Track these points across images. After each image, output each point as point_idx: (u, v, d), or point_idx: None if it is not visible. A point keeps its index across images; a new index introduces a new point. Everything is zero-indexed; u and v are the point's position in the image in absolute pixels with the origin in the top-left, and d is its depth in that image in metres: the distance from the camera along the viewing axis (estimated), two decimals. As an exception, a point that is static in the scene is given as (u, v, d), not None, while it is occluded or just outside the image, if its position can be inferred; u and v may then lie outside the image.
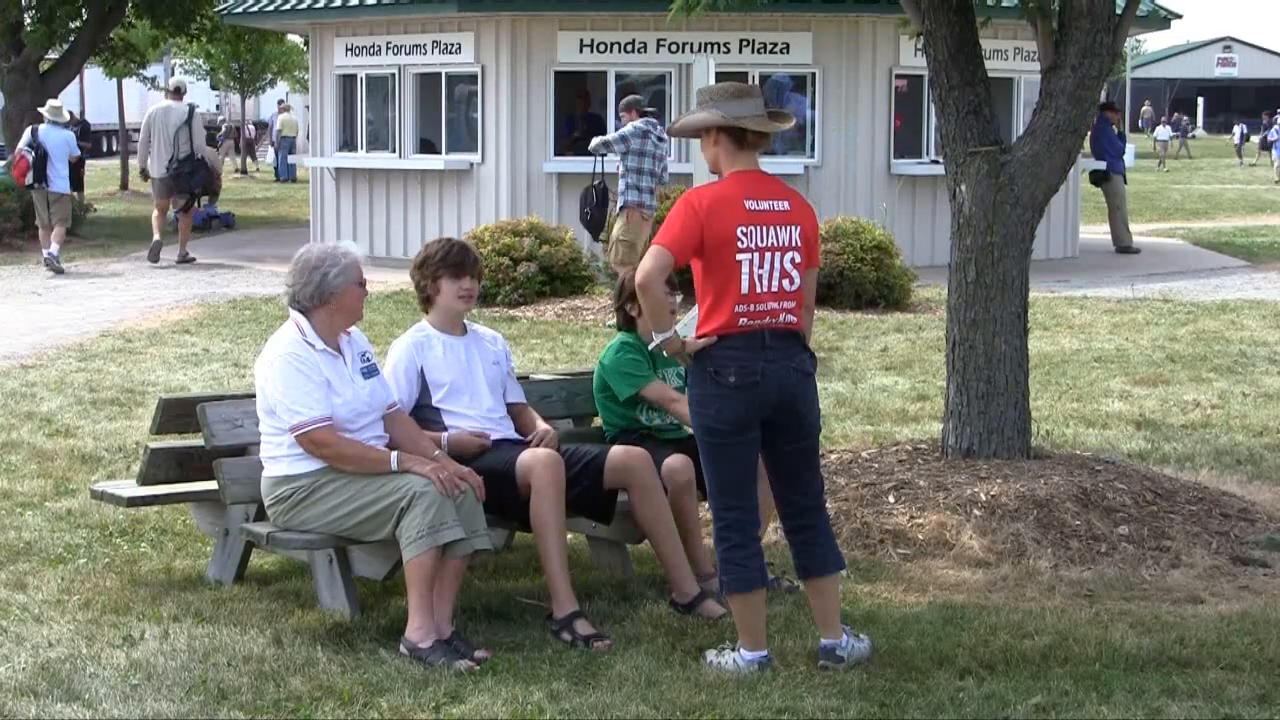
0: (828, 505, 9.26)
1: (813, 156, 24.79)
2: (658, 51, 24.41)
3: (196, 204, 27.94)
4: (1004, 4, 10.56)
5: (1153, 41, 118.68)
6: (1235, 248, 28.34)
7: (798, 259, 7.03)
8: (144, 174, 26.50)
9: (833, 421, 12.51)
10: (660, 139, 18.70)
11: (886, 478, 9.63)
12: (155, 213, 26.02)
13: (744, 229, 6.95)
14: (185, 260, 25.45)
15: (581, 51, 24.55)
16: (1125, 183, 28.87)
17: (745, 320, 6.97)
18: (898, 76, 24.83)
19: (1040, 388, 13.14)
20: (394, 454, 7.39)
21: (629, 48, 24.45)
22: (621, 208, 18.77)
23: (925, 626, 7.60)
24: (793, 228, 7.03)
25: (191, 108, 26.02)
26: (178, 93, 26.54)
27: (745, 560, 7.09)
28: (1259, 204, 40.53)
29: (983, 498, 9.15)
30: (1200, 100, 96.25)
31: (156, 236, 25.47)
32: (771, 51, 24.60)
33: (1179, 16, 27.16)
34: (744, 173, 7.10)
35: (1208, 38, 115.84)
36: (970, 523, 8.97)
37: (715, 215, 6.94)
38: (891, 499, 9.36)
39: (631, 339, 8.68)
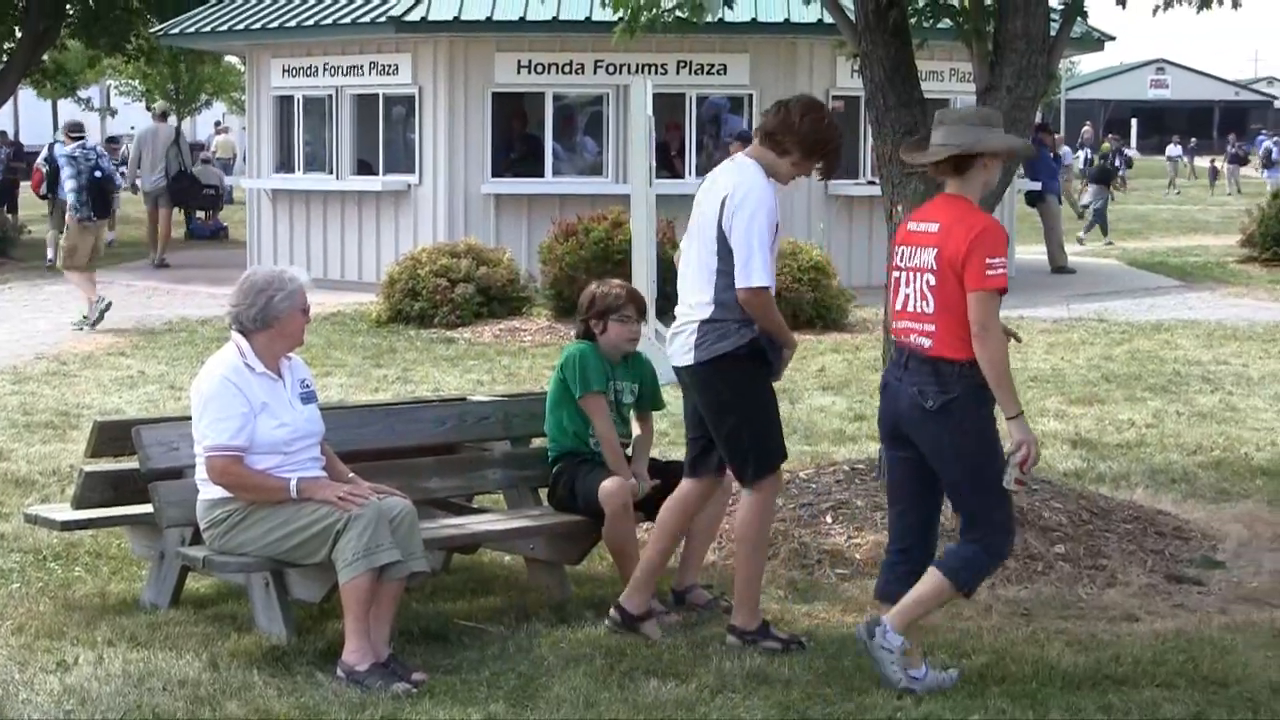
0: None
1: (750, 177, 24.77)
2: (595, 73, 24.41)
3: (205, 217, 33.45)
4: (940, 26, 10.57)
5: (1087, 63, 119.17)
6: (1169, 268, 28.54)
7: (932, 282, 6.96)
8: (134, 188, 30.31)
9: (770, 442, 12.51)
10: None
11: (824, 498, 9.65)
12: (149, 226, 29.41)
13: (900, 248, 7.17)
14: (161, 265, 28.25)
15: (519, 73, 24.53)
16: (1060, 204, 29.06)
17: (899, 337, 7.14)
18: (835, 98, 24.87)
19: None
20: (292, 481, 7.36)
21: (567, 69, 24.44)
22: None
23: (861, 646, 7.59)
24: (930, 250, 6.99)
25: (177, 129, 30.10)
26: (164, 116, 29.22)
27: (883, 569, 7.38)
28: (1192, 224, 40.83)
29: (920, 517, 9.15)
30: (1134, 121, 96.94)
31: (155, 249, 28.82)
32: (709, 73, 24.64)
33: (1113, 39, 27.34)
34: (939, 196, 7.27)
35: (1141, 60, 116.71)
36: (907, 542, 8.97)
37: (894, 235, 7.29)
38: (829, 519, 9.38)
39: (591, 349, 8.62)
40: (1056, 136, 32.81)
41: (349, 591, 7.12)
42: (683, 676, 7.18)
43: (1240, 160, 61.35)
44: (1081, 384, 15.64)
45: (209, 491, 7.45)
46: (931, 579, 7.08)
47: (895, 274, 7.17)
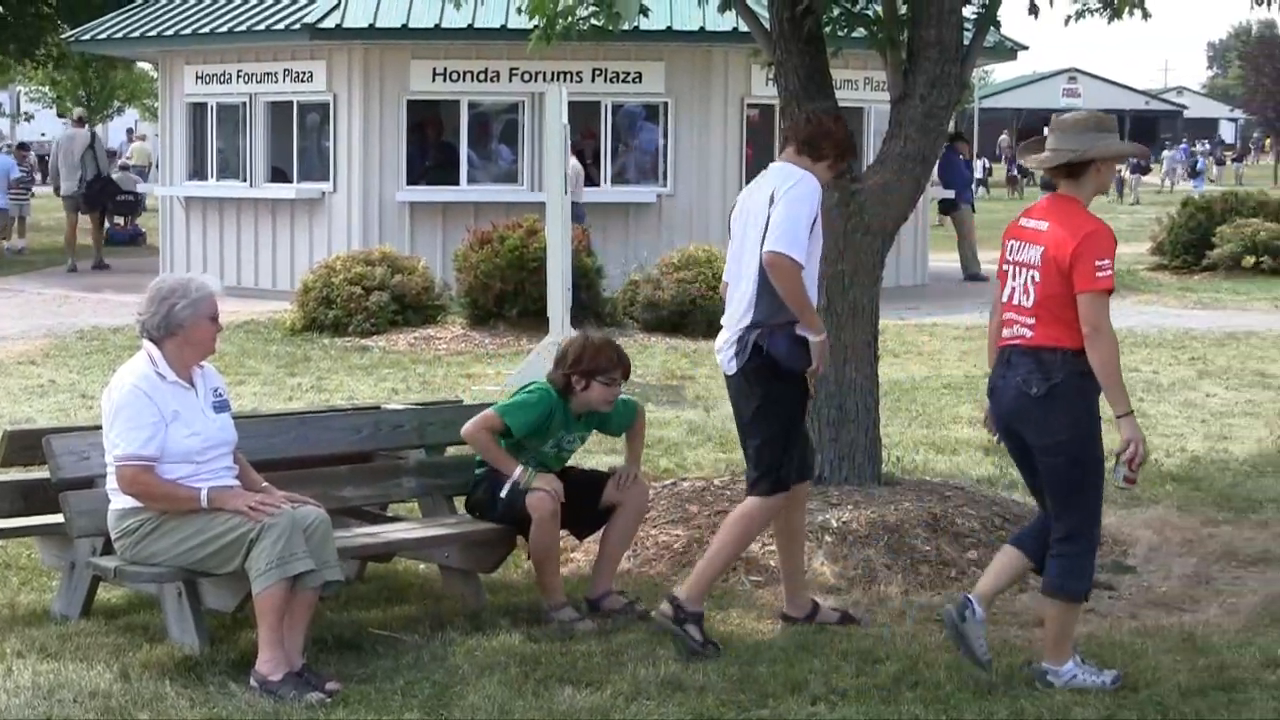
0: (683, 532, 9.33)
1: (665, 185, 24.87)
2: (510, 80, 24.40)
3: (124, 223, 33.82)
4: (854, 35, 10.62)
5: (1000, 72, 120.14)
6: (1081, 275, 28.73)
7: (1036, 278, 7.14)
8: (57, 191, 30.67)
9: (685, 450, 12.55)
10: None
11: (738, 505, 9.64)
12: (68, 231, 29.61)
13: (1009, 243, 7.38)
14: (100, 267, 28.87)
15: (434, 80, 24.49)
16: (974, 212, 29.25)
17: (1004, 331, 7.32)
18: (750, 106, 24.97)
19: (890, 414, 13.25)
20: (203, 491, 7.31)
21: (481, 76, 24.42)
22: None
23: (778, 653, 7.63)
24: (1037, 248, 7.18)
25: (93, 134, 30.37)
26: (81, 121, 29.49)
27: (1027, 526, 7.63)
28: (1116, 233, 41.08)
29: (834, 524, 9.20)
30: (1045, 130, 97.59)
31: (73, 254, 29.10)
32: (624, 81, 24.67)
33: (1025, 48, 27.54)
34: (1051, 196, 7.46)
35: (1053, 69, 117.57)
36: (822, 549, 9.02)
37: (1006, 231, 7.49)
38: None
39: (559, 404, 8.42)
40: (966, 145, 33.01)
41: (262, 601, 7.09)
42: (597, 684, 7.18)
43: (1142, 170, 61.72)
44: (994, 391, 15.71)
45: (120, 501, 7.39)
46: (1051, 610, 7.33)
47: (1004, 267, 7.37)
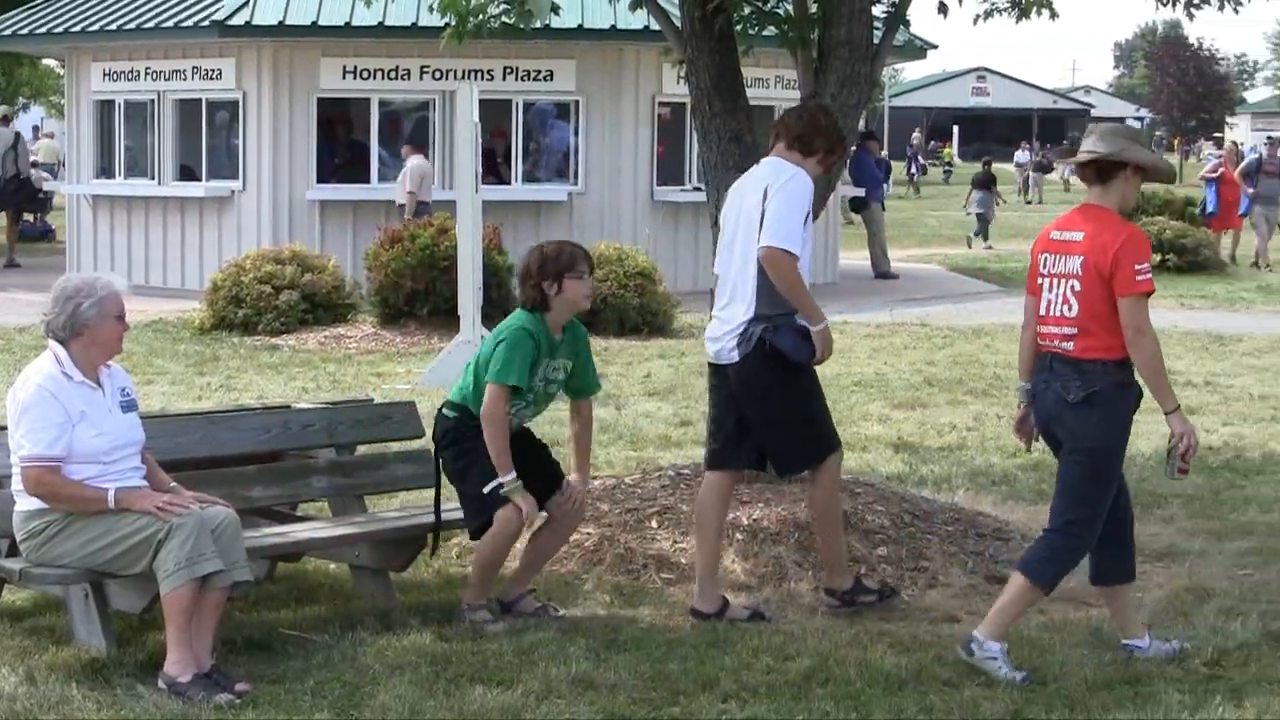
0: (594, 531, 9.33)
1: (576, 184, 24.87)
2: (421, 78, 24.34)
3: (34, 219, 33.96)
4: (765, 33, 10.64)
5: (910, 71, 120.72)
6: (990, 273, 28.96)
7: (1077, 287, 7.29)
8: None
9: (596, 448, 12.51)
10: None
11: (650, 503, 9.67)
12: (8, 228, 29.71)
13: (1043, 256, 7.52)
14: (11, 265, 28.55)
15: (344, 78, 24.41)
16: (884, 209, 29.40)
17: (1042, 341, 7.48)
18: (661, 104, 25.01)
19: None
20: (110, 491, 7.25)
21: (392, 74, 24.36)
22: None
23: (689, 650, 7.64)
24: (1075, 258, 7.32)
25: (17, 134, 30.17)
26: (5, 120, 29.26)
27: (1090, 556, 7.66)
28: (1013, 230, 41.41)
29: (745, 522, 9.22)
30: (956, 129, 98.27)
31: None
32: (535, 79, 24.66)
33: (935, 47, 27.71)
34: (1080, 206, 7.61)
35: (963, 68, 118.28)
36: (733, 547, 9.04)
37: (1036, 244, 7.65)
38: (655, 524, 9.40)
39: (539, 327, 8.18)
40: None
41: (171, 602, 7.03)
42: (508, 683, 7.17)
43: (1044, 169, 62.10)
44: (904, 388, 15.83)
45: (26, 502, 7.32)
46: (1013, 585, 7.51)
47: (1038, 280, 7.51)
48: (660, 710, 6.91)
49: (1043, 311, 7.46)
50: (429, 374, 16.02)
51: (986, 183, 37.51)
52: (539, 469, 8.35)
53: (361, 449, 9.29)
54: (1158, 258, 27.50)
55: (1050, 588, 7.52)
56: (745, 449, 8.36)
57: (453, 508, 8.37)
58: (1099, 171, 7.46)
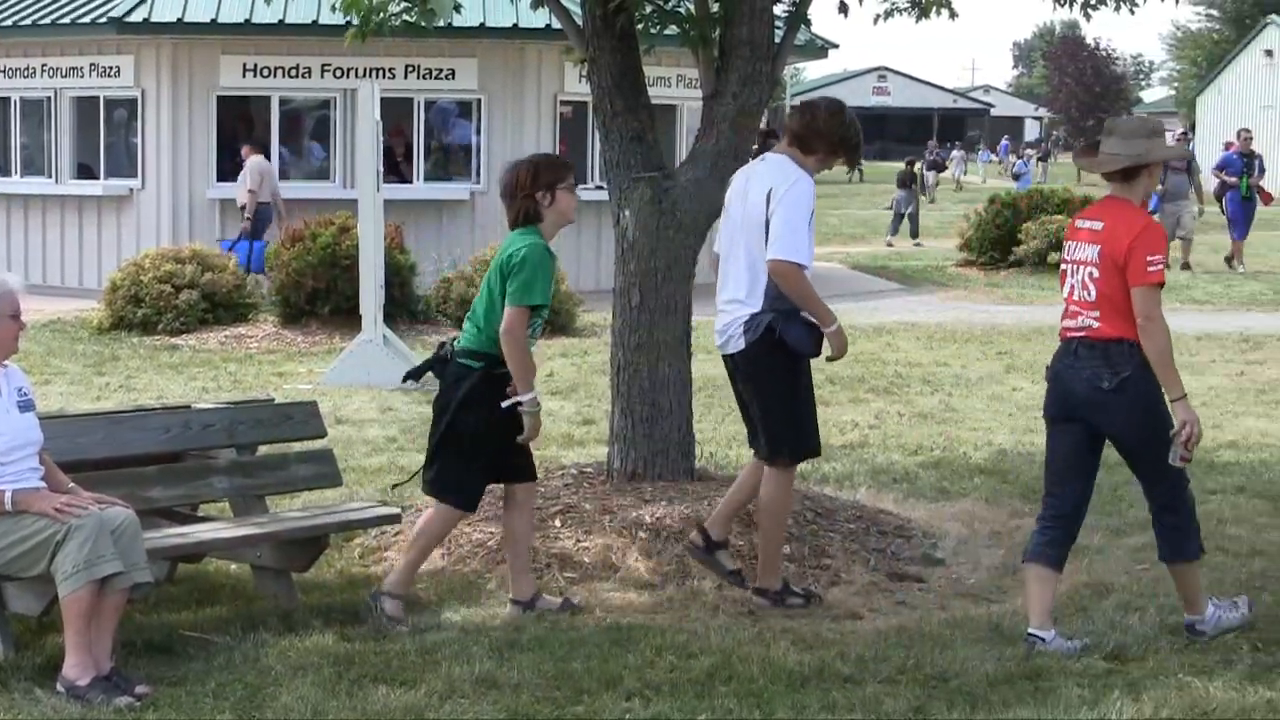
0: (497, 530, 9.31)
1: (478, 182, 24.83)
2: (322, 76, 24.24)
3: None
4: (666, 32, 10.66)
5: (811, 70, 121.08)
6: (891, 271, 29.11)
7: (1095, 274, 7.65)
8: None
9: (500, 447, 12.51)
10: None
11: (553, 502, 9.66)
12: None
13: (1068, 243, 7.90)
14: None
15: (245, 76, 24.26)
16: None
17: (1065, 322, 7.83)
18: (563, 103, 25.01)
19: (704, 410, 13.31)
20: (7, 493, 7.17)
21: (293, 72, 24.23)
22: None
23: (592, 649, 7.64)
24: (1094, 246, 7.68)
25: None
26: None
27: (1034, 536, 8.00)
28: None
29: (648, 520, 9.23)
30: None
31: None
32: (437, 77, 24.60)
33: (836, 46, 27.82)
34: (1104, 198, 7.99)
35: (864, 67, 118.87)
36: (636, 545, 9.05)
37: (1067, 231, 8.05)
38: (558, 523, 9.39)
39: (544, 240, 8.15)
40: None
41: (70, 604, 6.97)
42: (411, 683, 7.14)
43: (939, 167, 62.43)
44: (806, 386, 15.85)
45: (-78, 504, 7.23)
46: (1178, 575, 7.94)
47: (1063, 266, 7.90)
48: (564, 709, 6.90)
49: (1066, 294, 7.84)
50: (331, 373, 15.96)
51: (908, 181, 37.83)
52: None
53: (263, 449, 9.23)
54: (1055, 256, 27.75)
55: (1203, 549, 8.01)
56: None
57: (356, 507, 8.33)
58: (1124, 171, 7.81)
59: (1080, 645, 7.73)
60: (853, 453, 12.53)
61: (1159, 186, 28.64)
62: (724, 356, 8.56)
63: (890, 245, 36.40)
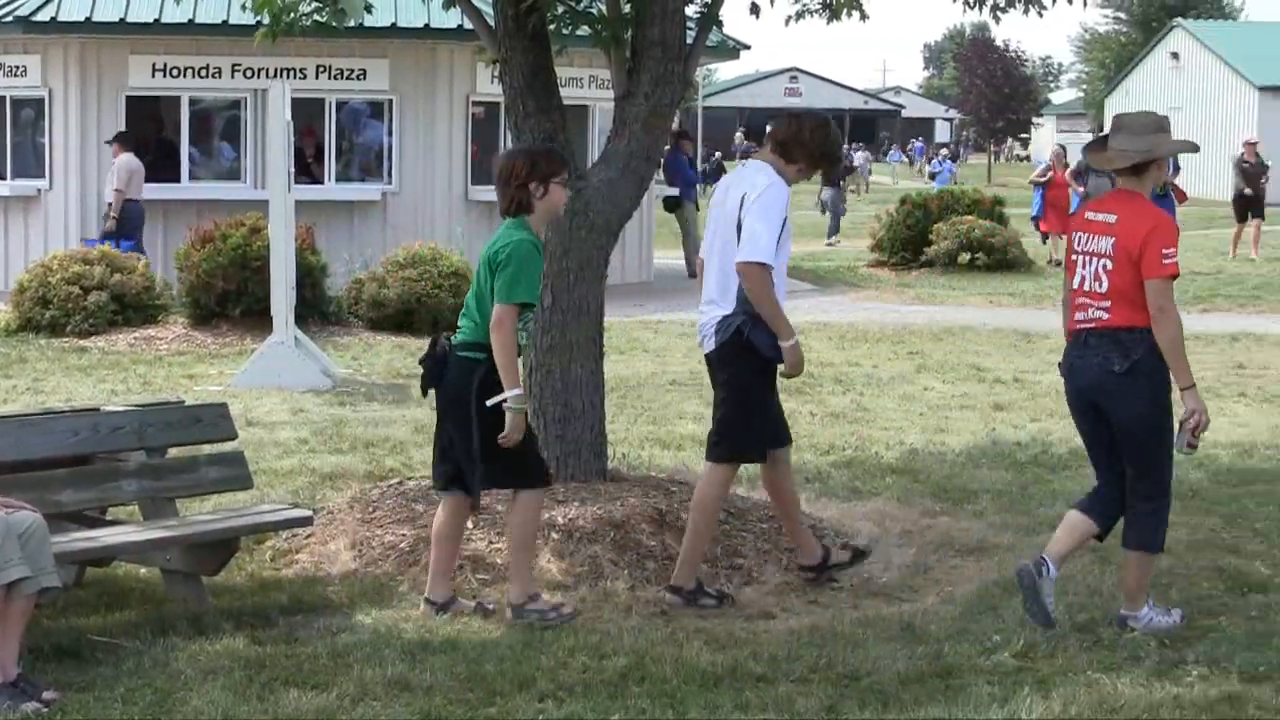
0: (409, 532, 9.29)
1: (391, 183, 24.75)
2: (232, 77, 24.09)
3: None
4: (578, 33, 10.67)
5: (724, 71, 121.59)
6: (804, 272, 29.18)
7: (1109, 266, 7.89)
8: None
9: (411, 449, 12.49)
10: None
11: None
12: None
13: (1077, 234, 8.14)
14: None
15: (154, 76, 24.09)
16: (698, 209, 29.53)
17: (1076, 315, 8.07)
18: (475, 103, 24.95)
19: (616, 410, 13.33)
20: None
21: (203, 73, 24.07)
22: None
23: (505, 650, 7.64)
24: (1108, 238, 7.93)
25: None
26: None
27: (1090, 494, 8.32)
28: (825, 228, 41.79)
29: (560, 521, 9.22)
30: (768, 128, 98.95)
31: None
32: (348, 78, 24.50)
33: (748, 47, 27.87)
34: (1116, 189, 8.25)
35: (776, 68, 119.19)
36: (548, 546, 9.04)
37: (1072, 223, 8.37)
38: (470, 524, 9.36)
39: (531, 234, 8.13)
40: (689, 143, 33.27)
41: (-25, 609, 6.90)
42: (323, 686, 7.12)
43: (846, 169, 62.62)
44: (719, 387, 15.88)
45: None
46: (1132, 565, 8.09)
47: (1072, 257, 8.10)
48: (477, 711, 6.90)
49: (1076, 285, 8.06)
50: (242, 375, 15.87)
51: (836, 179, 38.05)
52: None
53: (173, 452, 9.17)
54: (965, 256, 27.94)
55: (1162, 547, 8.20)
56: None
57: (267, 510, 8.28)
58: (1134, 165, 8.05)
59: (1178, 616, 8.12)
60: (765, 453, 12.53)
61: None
62: (705, 358, 8.85)
63: (832, 245, 36.39)
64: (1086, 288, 8.00)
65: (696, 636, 7.91)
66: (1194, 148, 8.65)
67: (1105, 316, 7.92)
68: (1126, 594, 8.13)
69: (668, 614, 8.39)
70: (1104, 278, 7.92)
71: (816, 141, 8.70)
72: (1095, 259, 7.97)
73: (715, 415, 8.76)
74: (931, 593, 8.91)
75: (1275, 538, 9.94)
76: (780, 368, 8.65)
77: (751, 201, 8.41)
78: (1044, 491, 11.31)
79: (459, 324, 8.27)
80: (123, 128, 23.95)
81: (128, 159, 22.63)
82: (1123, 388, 7.88)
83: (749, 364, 8.53)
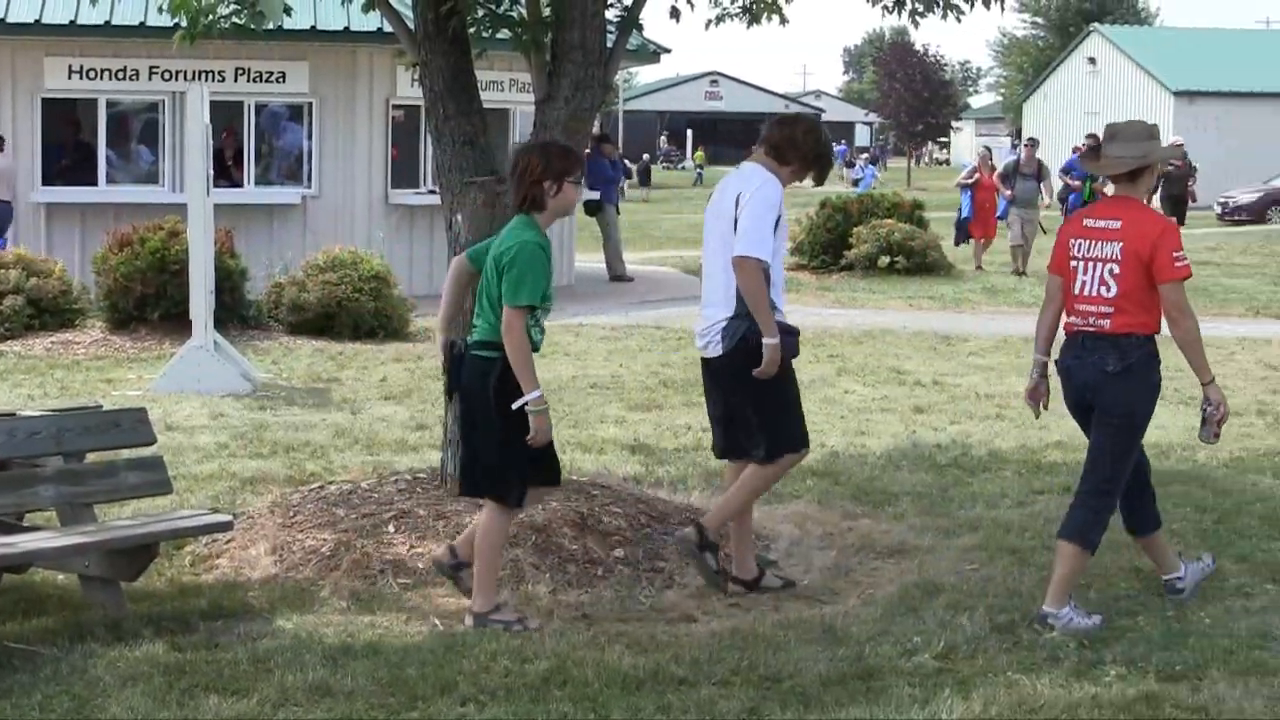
0: (330, 536, 9.26)
1: (310, 187, 24.65)
2: (150, 79, 23.92)
3: None
4: (498, 36, 10.66)
5: (644, 75, 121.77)
6: (724, 276, 29.20)
7: (1116, 270, 8.10)
8: None
9: (332, 453, 12.46)
10: None
11: (386, 507, 9.62)
12: None
13: (1075, 241, 8.29)
14: None
15: (70, 78, 23.88)
16: (618, 212, 29.55)
17: (1073, 319, 8.28)
18: (395, 107, 24.88)
19: (538, 415, 13.30)
20: None
21: (120, 75, 23.89)
22: None
23: (427, 655, 7.62)
24: (1114, 244, 8.13)
25: None
26: None
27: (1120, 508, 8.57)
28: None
29: (482, 525, 9.20)
30: (689, 132, 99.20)
31: None
32: (267, 81, 24.37)
33: (668, 51, 27.90)
34: (1110, 196, 8.53)
35: (696, 72, 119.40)
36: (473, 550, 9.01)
37: (1063, 229, 8.58)
38: (391, 529, 9.35)
39: (539, 234, 8.08)
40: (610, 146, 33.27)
41: (-109, 616, 6.84)
42: (244, 692, 7.08)
43: None
44: (640, 390, 15.92)
45: None
46: (1065, 558, 8.25)
47: (1071, 263, 8.28)
48: (398, 715, 6.88)
49: (1077, 291, 8.24)
50: (161, 380, 15.76)
51: None
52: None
53: (91, 457, 9.10)
54: (885, 260, 28.03)
55: (1096, 548, 8.37)
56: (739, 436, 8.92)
57: (187, 515, 8.22)
58: (1130, 172, 8.29)
59: (1210, 562, 8.85)
60: (686, 456, 12.57)
61: (1008, 192, 29.07)
62: (702, 360, 8.95)
63: None
64: (1089, 293, 8.20)
65: (618, 640, 7.91)
66: (1181, 153, 8.87)
67: (1107, 324, 8.15)
68: (1051, 592, 8.21)
69: (589, 618, 8.38)
70: (1111, 282, 8.12)
71: (809, 144, 8.85)
72: (1099, 264, 8.17)
73: (756, 421, 8.75)
74: (852, 595, 8.94)
75: (1191, 538, 10.03)
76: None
77: (746, 200, 8.58)
78: (964, 494, 11.37)
79: (474, 323, 8.23)
80: (40, 131, 23.76)
81: None
82: (1112, 384, 8.15)
83: (759, 364, 8.60)
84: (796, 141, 8.83)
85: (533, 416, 7.97)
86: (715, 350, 8.74)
